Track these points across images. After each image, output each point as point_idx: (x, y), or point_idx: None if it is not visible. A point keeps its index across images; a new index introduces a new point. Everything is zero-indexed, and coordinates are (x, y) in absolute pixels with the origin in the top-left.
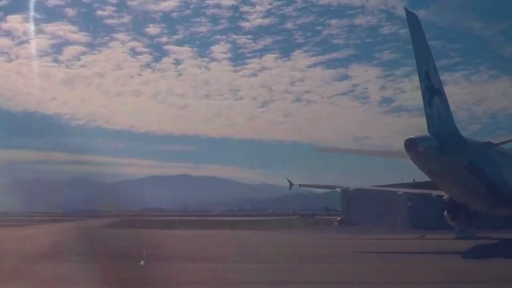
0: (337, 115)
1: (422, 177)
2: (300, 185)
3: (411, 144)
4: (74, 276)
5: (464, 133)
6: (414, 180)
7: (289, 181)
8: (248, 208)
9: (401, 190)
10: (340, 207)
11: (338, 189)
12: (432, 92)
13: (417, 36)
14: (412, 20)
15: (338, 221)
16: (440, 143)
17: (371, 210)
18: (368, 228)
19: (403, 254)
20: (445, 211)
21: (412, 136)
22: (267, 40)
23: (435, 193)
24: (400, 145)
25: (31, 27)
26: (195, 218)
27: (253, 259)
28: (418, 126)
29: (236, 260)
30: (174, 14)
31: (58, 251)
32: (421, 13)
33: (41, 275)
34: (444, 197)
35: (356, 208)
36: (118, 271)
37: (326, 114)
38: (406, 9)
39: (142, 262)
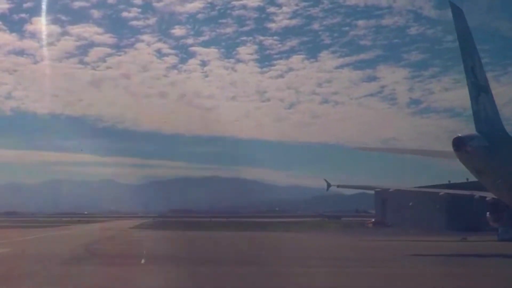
0: (365, 117)
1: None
2: (338, 186)
3: (459, 143)
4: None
5: None
6: (449, 181)
7: (326, 181)
8: (276, 209)
9: (442, 191)
10: (374, 209)
11: (370, 191)
12: (479, 89)
13: (462, 31)
14: (457, 14)
15: (372, 222)
16: (489, 142)
17: (405, 211)
18: (404, 230)
19: (456, 257)
20: (488, 212)
21: (460, 135)
22: (294, 41)
23: (478, 194)
24: (429, 147)
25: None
26: (225, 219)
27: (316, 263)
28: (446, 127)
29: (303, 264)
30: (200, 16)
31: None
32: (447, 14)
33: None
34: (488, 198)
35: (390, 210)
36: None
37: (354, 115)
38: (450, 2)
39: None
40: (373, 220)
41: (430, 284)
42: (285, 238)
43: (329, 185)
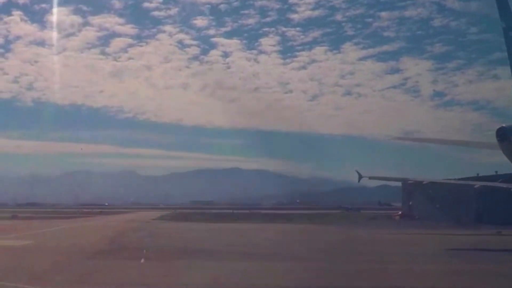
0: (388, 109)
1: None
2: (369, 178)
3: (503, 134)
4: None
5: None
6: (477, 174)
7: (358, 172)
8: (298, 201)
9: (478, 184)
10: (401, 202)
11: (393, 183)
12: None
13: (507, 17)
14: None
15: (400, 215)
16: None
17: (433, 204)
18: (433, 223)
19: (500, 253)
20: None
21: (504, 125)
22: (317, 33)
23: None
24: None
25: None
26: (247, 211)
27: (363, 258)
28: (470, 120)
29: (354, 260)
30: (222, 6)
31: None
32: (473, 6)
33: None
34: None
35: (417, 202)
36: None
37: (376, 107)
38: None
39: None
40: (400, 212)
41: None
42: (316, 231)
43: (360, 177)
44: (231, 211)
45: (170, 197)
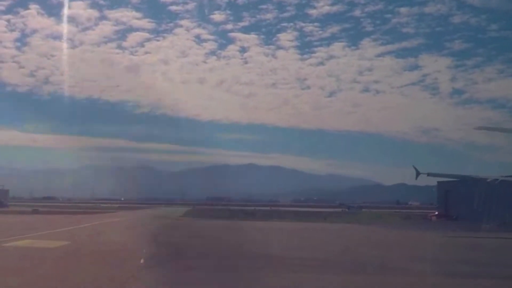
0: (406, 106)
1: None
2: (428, 174)
3: None
4: None
5: None
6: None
7: (415, 168)
8: (315, 198)
9: None
10: (437, 201)
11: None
12: None
13: None
14: None
15: (436, 215)
16: None
17: (473, 203)
18: (476, 224)
19: None
20: None
21: None
22: (335, 28)
23: None
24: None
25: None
26: (268, 208)
27: (440, 266)
28: (489, 118)
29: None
30: (239, 1)
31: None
32: (493, 2)
33: None
34: None
35: (454, 202)
36: None
37: (395, 104)
38: None
39: None
40: (436, 213)
41: None
42: (367, 231)
43: (418, 173)
44: (252, 208)
45: (186, 193)
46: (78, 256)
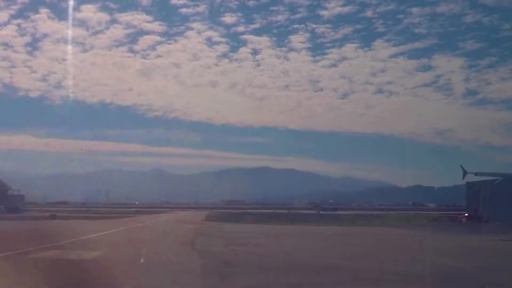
0: (420, 107)
1: None
2: (475, 174)
3: None
4: None
5: None
6: None
7: (462, 168)
8: (331, 201)
9: None
10: (465, 202)
11: (428, 183)
12: None
13: None
14: None
15: (466, 217)
16: None
17: (505, 204)
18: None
19: None
20: None
21: None
22: (347, 29)
23: None
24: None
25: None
26: (286, 211)
27: None
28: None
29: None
30: (250, 3)
31: None
32: (506, 1)
33: None
34: None
35: (484, 203)
36: None
37: (408, 106)
38: None
39: None
40: (466, 214)
41: None
42: (408, 236)
43: (465, 173)
44: (271, 210)
45: (200, 197)
46: (120, 269)
